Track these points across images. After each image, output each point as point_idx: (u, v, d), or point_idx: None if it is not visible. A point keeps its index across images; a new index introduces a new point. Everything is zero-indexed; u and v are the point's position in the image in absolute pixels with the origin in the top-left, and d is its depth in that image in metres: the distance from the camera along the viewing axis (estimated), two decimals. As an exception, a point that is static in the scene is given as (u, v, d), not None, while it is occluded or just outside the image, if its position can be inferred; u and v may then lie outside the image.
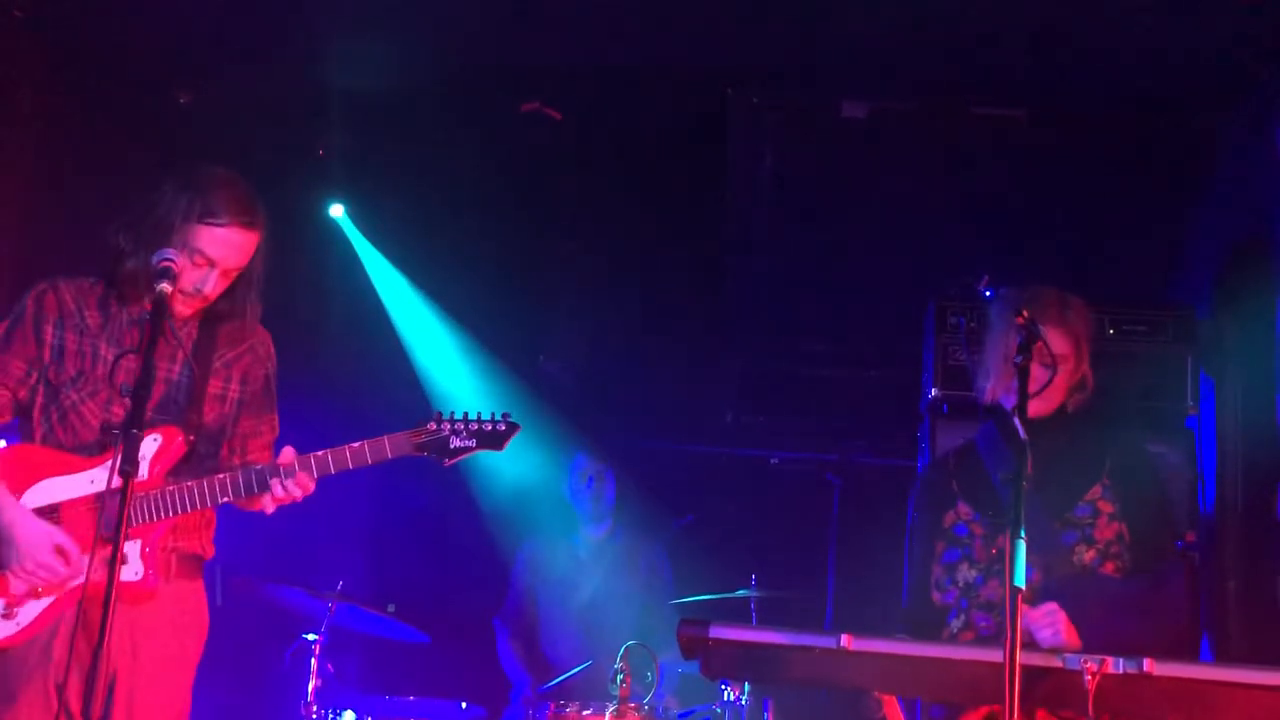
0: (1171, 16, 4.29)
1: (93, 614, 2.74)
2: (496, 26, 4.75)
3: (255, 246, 2.99)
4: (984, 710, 2.95)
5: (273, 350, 3.14)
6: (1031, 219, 5.09)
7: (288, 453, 2.89)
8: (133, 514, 2.77)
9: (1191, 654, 3.37)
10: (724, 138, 5.24)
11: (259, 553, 5.10)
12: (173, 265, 2.81)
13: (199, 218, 2.88)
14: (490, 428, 2.89)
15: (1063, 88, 4.86)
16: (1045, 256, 4.98)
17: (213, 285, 2.94)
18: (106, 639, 2.38)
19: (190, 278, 2.90)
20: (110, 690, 2.82)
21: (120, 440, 2.71)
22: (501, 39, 4.85)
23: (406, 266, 5.86)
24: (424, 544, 5.72)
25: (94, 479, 2.83)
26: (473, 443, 2.88)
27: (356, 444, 2.88)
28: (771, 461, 5.73)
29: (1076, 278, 4.83)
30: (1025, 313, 2.89)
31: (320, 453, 2.88)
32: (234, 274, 2.97)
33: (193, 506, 2.84)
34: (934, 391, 4.34)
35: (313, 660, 4.37)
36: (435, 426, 2.88)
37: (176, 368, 2.96)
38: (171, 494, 2.82)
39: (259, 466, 2.88)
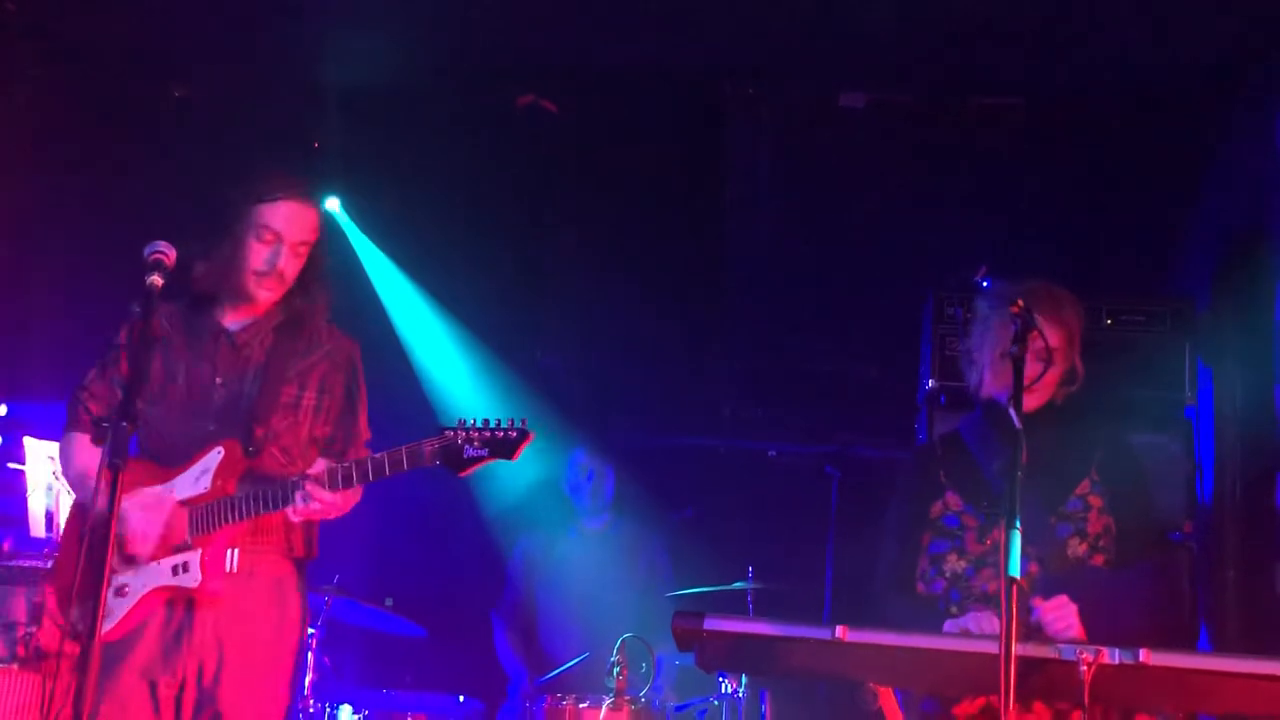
0: (1170, 7, 4.28)
1: (174, 612, 2.94)
2: (492, 20, 4.74)
3: (317, 223, 3.09)
4: (980, 701, 2.94)
5: (355, 356, 3.20)
6: (1030, 210, 5.08)
7: (318, 465, 2.97)
8: (196, 524, 2.93)
9: (1189, 644, 3.36)
10: (721, 130, 5.22)
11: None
12: (164, 258, 2.81)
13: (254, 200, 3.02)
14: (503, 435, 2.86)
15: (1061, 78, 4.85)
16: (1044, 247, 4.97)
17: (285, 260, 3.03)
18: (95, 639, 2.39)
19: (260, 255, 3.01)
20: (199, 684, 2.93)
21: (194, 455, 2.95)
22: (497, 33, 4.84)
23: (402, 261, 5.85)
24: (421, 538, 5.71)
25: (172, 489, 2.97)
26: (485, 452, 2.85)
27: (378, 455, 2.91)
28: (770, 454, 5.72)
29: (1075, 268, 4.84)
30: (1020, 302, 2.87)
31: (342, 464, 2.93)
32: (305, 251, 3.06)
33: (239, 517, 2.93)
34: (932, 383, 4.33)
35: (310, 654, 4.37)
36: (452, 435, 2.86)
37: (249, 378, 3.05)
38: (227, 503, 2.93)
39: (288, 480, 2.93)
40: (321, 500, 2.90)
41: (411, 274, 5.88)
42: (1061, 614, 2.87)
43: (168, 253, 2.83)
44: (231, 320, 3.12)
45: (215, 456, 2.96)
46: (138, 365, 2.67)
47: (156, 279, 2.76)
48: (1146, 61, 4.65)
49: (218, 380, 3.06)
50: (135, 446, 3.04)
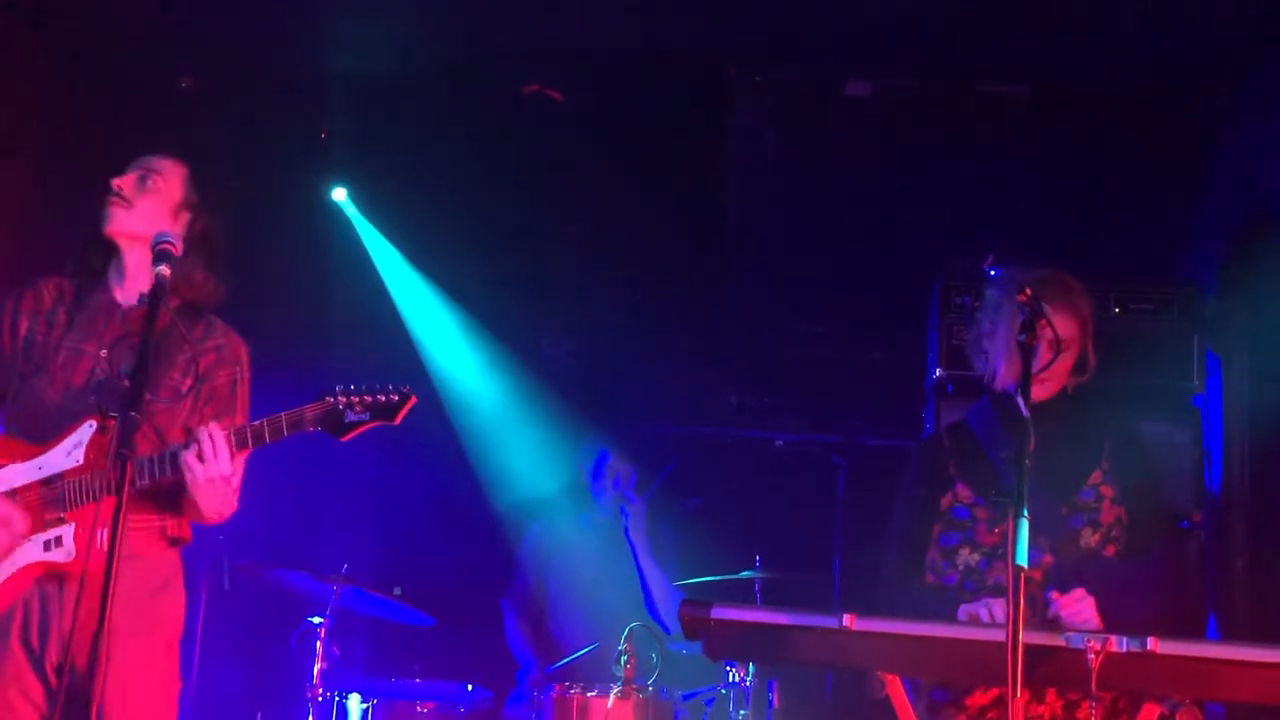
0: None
1: (48, 590, 2.87)
2: (498, 9, 4.73)
3: (173, 165, 3.09)
4: (993, 692, 2.94)
5: (243, 357, 3.13)
6: (1037, 197, 5.06)
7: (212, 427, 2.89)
8: (68, 498, 2.86)
9: (1198, 633, 3.36)
10: (727, 118, 5.21)
11: (264, 537, 5.11)
12: (171, 248, 2.81)
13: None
14: (384, 399, 2.84)
15: (1068, 65, 4.82)
16: (1051, 235, 4.95)
17: (122, 181, 3.03)
18: (106, 621, 2.39)
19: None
20: (60, 667, 2.83)
21: (68, 429, 2.87)
22: (503, 22, 4.83)
23: (409, 250, 5.85)
24: (429, 527, 5.72)
25: (41, 465, 2.90)
26: (366, 415, 2.83)
27: (256, 421, 2.86)
28: (776, 444, 5.72)
29: (1082, 256, 4.82)
30: (1028, 291, 2.86)
31: (217, 428, 2.85)
32: (156, 187, 3.04)
33: (109, 490, 2.81)
34: (939, 372, 4.33)
35: (318, 643, 4.38)
36: (332, 400, 2.84)
37: (134, 356, 2.89)
38: (98, 478, 2.85)
39: (170, 448, 2.87)
40: (214, 454, 2.79)
41: (417, 263, 5.88)
42: (1079, 608, 2.86)
43: (176, 243, 2.83)
44: (122, 296, 3.06)
45: (88, 430, 2.88)
46: (144, 354, 2.63)
47: (164, 269, 2.76)
48: (1154, 47, 4.62)
49: (102, 354, 2.99)
50: (6, 421, 3.00)
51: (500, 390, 5.68)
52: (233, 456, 2.83)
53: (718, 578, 4.72)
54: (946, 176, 5.11)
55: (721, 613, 2.71)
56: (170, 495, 2.96)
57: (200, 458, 2.80)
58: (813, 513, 5.20)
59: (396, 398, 2.84)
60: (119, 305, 3.05)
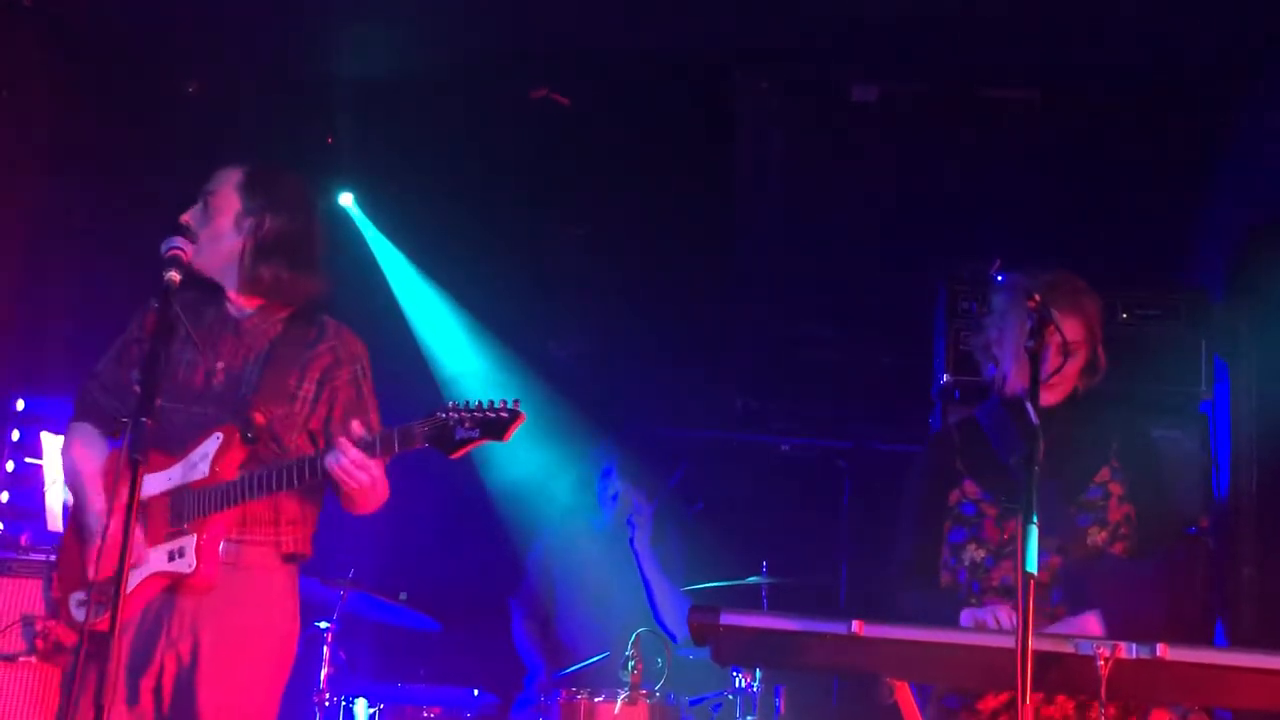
0: (1185, -3, 4.27)
1: (158, 601, 2.89)
2: (504, 12, 4.74)
3: (227, 176, 3.10)
4: (1005, 696, 2.94)
5: (360, 352, 3.15)
6: (1043, 202, 5.06)
7: (355, 427, 2.90)
8: (191, 509, 2.89)
9: (1205, 638, 3.35)
10: (733, 122, 5.21)
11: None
12: (180, 254, 2.82)
13: None
14: (494, 416, 2.80)
15: (1075, 69, 4.82)
16: (1057, 239, 4.94)
17: (198, 218, 3.05)
18: (116, 633, 2.39)
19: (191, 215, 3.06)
20: (176, 678, 2.88)
21: (195, 440, 2.91)
22: (509, 25, 4.83)
23: (416, 254, 5.85)
24: (436, 532, 5.72)
25: (170, 476, 2.94)
26: (476, 433, 2.80)
27: (368, 436, 2.86)
28: (782, 448, 5.71)
29: (1089, 261, 4.79)
30: (1037, 297, 2.86)
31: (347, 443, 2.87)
32: (217, 206, 3.05)
33: (239, 499, 2.88)
34: (946, 377, 4.32)
35: (325, 648, 4.39)
36: (442, 416, 2.82)
37: (250, 365, 3.02)
38: (224, 488, 2.88)
39: (300, 458, 2.89)
40: (353, 459, 2.82)
41: (424, 267, 5.88)
42: (1083, 626, 2.86)
43: (185, 248, 2.84)
44: (237, 309, 3.10)
45: (214, 442, 2.92)
46: (155, 360, 2.65)
47: (174, 275, 2.77)
48: (1160, 51, 4.62)
49: (219, 365, 3.03)
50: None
51: (506, 392, 5.66)
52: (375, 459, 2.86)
53: (724, 583, 4.72)
54: (952, 180, 5.10)
55: (730, 618, 2.70)
56: (299, 503, 3.01)
57: (341, 466, 2.83)
58: (819, 518, 5.19)
59: (506, 415, 2.79)
60: (233, 318, 3.08)
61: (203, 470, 2.91)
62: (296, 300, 3.10)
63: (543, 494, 5.61)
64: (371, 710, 4.52)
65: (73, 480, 3.08)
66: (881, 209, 5.22)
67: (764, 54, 4.97)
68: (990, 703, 2.98)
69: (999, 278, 3.72)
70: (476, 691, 4.76)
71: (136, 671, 2.89)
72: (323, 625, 4.42)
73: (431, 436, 2.80)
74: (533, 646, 5.14)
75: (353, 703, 4.50)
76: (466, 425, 2.79)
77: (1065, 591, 2.95)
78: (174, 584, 2.90)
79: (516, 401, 2.81)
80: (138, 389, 2.64)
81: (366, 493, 2.93)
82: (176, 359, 3.01)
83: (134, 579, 2.86)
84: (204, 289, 3.09)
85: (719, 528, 5.40)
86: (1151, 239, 4.95)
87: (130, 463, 2.48)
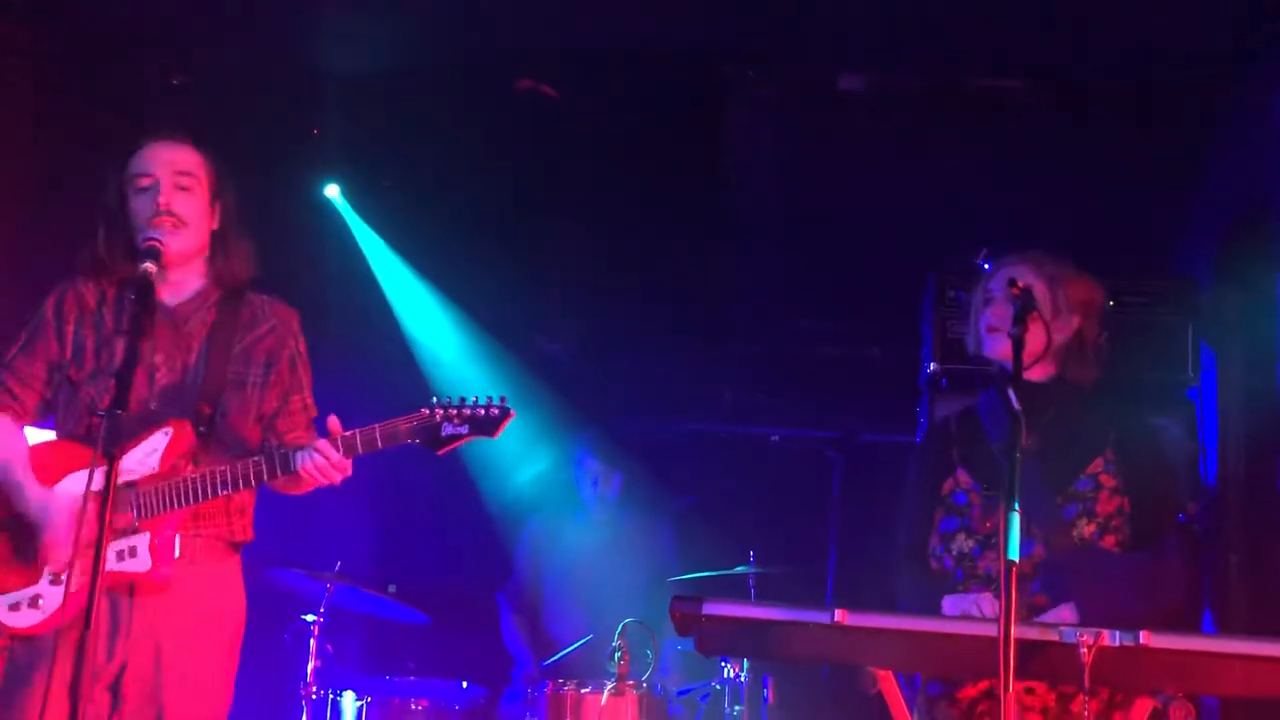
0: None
1: (116, 602, 2.78)
2: (492, 5, 4.72)
3: (193, 156, 2.97)
4: (984, 684, 2.94)
5: (297, 328, 3.08)
6: (1031, 192, 5.05)
7: (333, 422, 2.84)
8: (144, 507, 2.79)
9: (1193, 627, 3.36)
10: (722, 115, 5.20)
11: (257, 535, 5.10)
12: (158, 244, 2.79)
13: (125, 160, 2.94)
14: (484, 413, 2.78)
15: (1062, 59, 4.81)
16: (1045, 229, 4.93)
17: (168, 196, 2.89)
18: (91, 629, 2.36)
19: (141, 204, 2.89)
20: (136, 679, 2.79)
21: (139, 435, 2.80)
22: (496, 18, 4.81)
23: (402, 247, 5.84)
24: (424, 525, 5.72)
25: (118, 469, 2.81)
26: (465, 429, 2.77)
27: (348, 432, 2.81)
28: (772, 439, 5.72)
29: (1077, 250, 4.79)
30: (1020, 283, 2.86)
31: (347, 432, 2.82)
32: (191, 187, 2.93)
33: (215, 493, 2.81)
34: (933, 366, 4.32)
35: (312, 641, 4.38)
36: (429, 413, 2.78)
37: (193, 356, 2.93)
38: (187, 482, 2.80)
39: (281, 449, 2.84)
40: (335, 462, 2.78)
41: (411, 260, 5.87)
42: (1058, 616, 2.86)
43: (161, 239, 2.81)
44: (169, 296, 2.97)
45: (163, 436, 2.82)
46: (131, 353, 2.60)
47: (150, 266, 2.73)
48: (1148, 41, 4.61)
49: (158, 358, 2.91)
50: (55, 427, 2.94)
51: (494, 386, 5.66)
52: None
53: (712, 573, 4.72)
54: (942, 171, 5.09)
55: (713, 608, 2.70)
56: (250, 492, 2.94)
57: (317, 466, 2.78)
58: (807, 508, 5.19)
59: (496, 411, 2.78)
60: (165, 305, 2.96)
61: (153, 465, 2.81)
62: (242, 280, 3.02)
63: (530, 486, 5.61)
64: (359, 703, 4.52)
65: None
66: (869, 200, 5.21)
67: (753, 47, 4.95)
68: (969, 691, 2.97)
69: (985, 266, 3.73)
70: (465, 684, 4.76)
71: (91, 676, 2.73)
72: (310, 618, 4.41)
73: (418, 433, 2.77)
74: (520, 639, 5.14)
75: (340, 696, 4.49)
76: (455, 422, 2.77)
77: (1045, 583, 2.94)
78: (128, 584, 2.81)
79: (504, 399, 2.80)
80: (113, 383, 2.58)
81: (323, 483, 2.88)
82: (108, 347, 2.90)
83: (77, 578, 2.70)
84: (117, 281, 2.96)
85: (708, 518, 5.40)
86: (1139, 227, 4.95)
87: (106, 457, 2.44)
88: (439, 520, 5.72)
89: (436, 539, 5.67)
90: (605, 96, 5.21)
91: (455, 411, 2.77)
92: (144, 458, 2.82)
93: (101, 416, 2.57)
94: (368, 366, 5.73)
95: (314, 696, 4.35)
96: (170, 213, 2.89)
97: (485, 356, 5.82)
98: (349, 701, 4.51)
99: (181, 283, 2.98)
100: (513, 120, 5.30)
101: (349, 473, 2.85)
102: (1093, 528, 3.01)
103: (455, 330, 5.88)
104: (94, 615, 2.60)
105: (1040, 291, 3.07)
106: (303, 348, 3.08)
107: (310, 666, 4.35)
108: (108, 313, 2.95)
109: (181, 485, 2.80)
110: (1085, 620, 2.81)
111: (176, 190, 2.91)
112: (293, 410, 3.02)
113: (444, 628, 4.97)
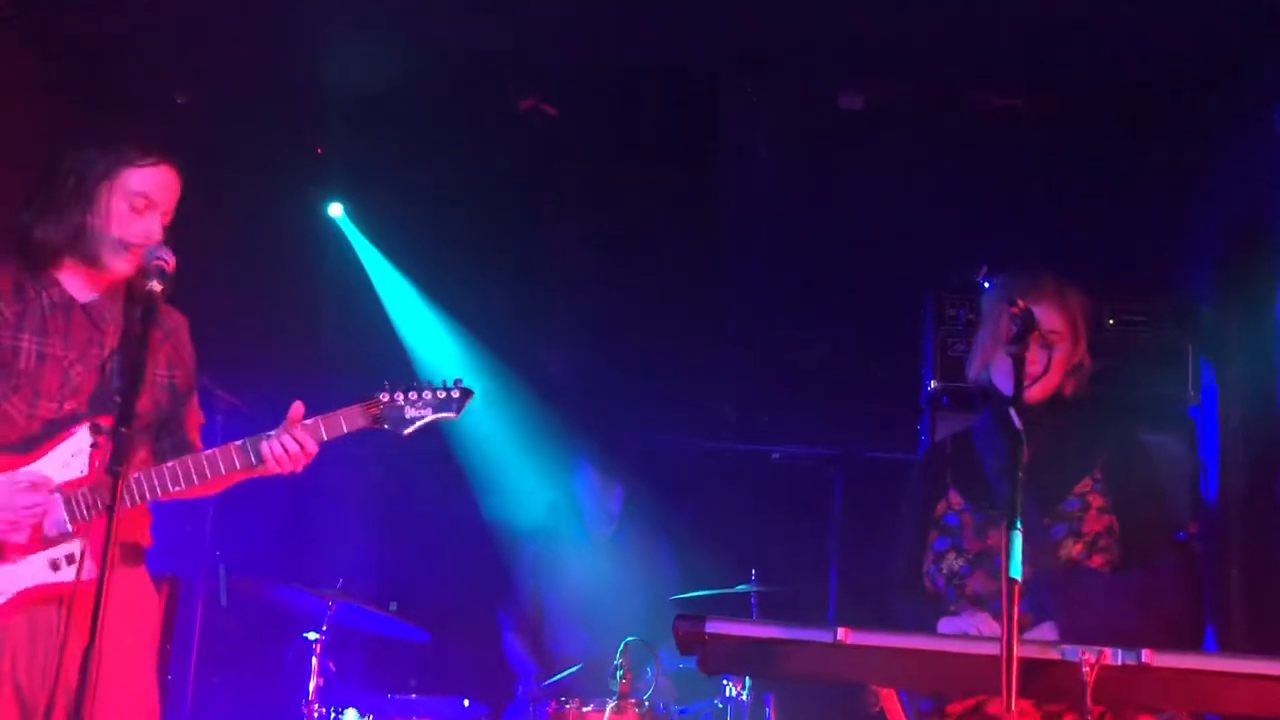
0: (1168, 2, 4.27)
1: (40, 616, 2.68)
2: (492, 23, 4.74)
3: (179, 189, 2.92)
4: (971, 701, 2.94)
5: (186, 332, 3.03)
6: (1030, 209, 5.07)
7: (297, 408, 2.82)
8: (76, 509, 2.69)
9: (1194, 645, 3.35)
10: (720, 131, 5.22)
11: (260, 552, 5.11)
12: (165, 265, 2.76)
13: (126, 163, 2.81)
14: (444, 395, 2.88)
15: (1060, 76, 4.83)
16: (1044, 246, 4.95)
17: (157, 231, 2.84)
18: (97, 642, 2.34)
19: (131, 225, 2.81)
20: (66, 694, 2.62)
21: (57, 436, 2.70)
22: (497, 36, 4.84)
23: (406, 265, 5.85)
24: (425, 542, 5.71)
25: (38, 471, 2.71)
26: (428, 411, 2.85)
27: (310, 420, 2.79)
28: (773, 456, 5.70)
29: (1076, 267, 4.80)
30: (1021, 302, 2.87)
31: (273, 432, 2.79)
32: (168, 220, 2.88)
33: (142, 498, 2.74)
34: (933, 384, 4.33)
35: (314, 659, 4.37)
36: (389, 398, 2.84)
37: (107, 355, 2.84)
38: (130, 485, 2.71)
39: (239, 442, 2.78)
40: (308, 447, 2.77)
41: (413, 277, 5.88)
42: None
43: (168, 259, 2.79)
44: (81, 292, 2.85)
45: (84, 438, 2.72)
46: (137, 370, 2.59)
47: (156, 285, 2.72)
48: (1145, 58, 4.63)
49: (72, 355, 2.80)
50: None
51: (496, 403, 5.67)
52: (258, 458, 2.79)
53: (713, 591, 4.71)
54: (940, 188, 5.11)
55: (715, 627, 2.69)
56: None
57: (288, 451, 2.76)
58: (809, 526, 5.18)
59: (457, 393, 2.89)
60: (76, 302, 2.84)
61: (80, 467, 2.71)
62: (161, 295, 2.85)
63: (531, 503, 5.61)
64: (361, 721, 4.51)
65: None
66: (868, 217, 5.22)
67: (750, 63, 4.97)
68: (956, 706, 2.98)
69: (985, 284, 3.75)
70: (466, 702, 4.75)
71: (26, 697, 2.65)
72: (312, 636, 4.40)
73: (382, 417, 2.83)
74: (523, 654, 5.13)
75: (342, 714, 4.48)
76: (417, 405, 2.84)
77: (1030, 602, 2.93)
78: (59, 596, 2.66)
79: (459, 380, 2.90)
80: (117, 399, 2.58)
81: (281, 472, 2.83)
82: (13, 345, 2.76)
83: (5, 592, 2.62)
84: (29, 265, 2.82)
85: (709, 536, 5.40)
86: (1138, 244, 4.96)
87: (110, 474, 2.43)
88: (440, 538, 5.71)
89: (438, 556, 5.66)
90: (605, 114, 5.23)
91: (416, 395, 2.85)
92: (68, 459, 2.72)
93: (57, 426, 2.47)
94: (369, 382, 5.73)
95: (316, 714, 4.34)
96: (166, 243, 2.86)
97: (488, 373, 5.83)
98: (351, 719, 4.50)
99: (98, 281, 2.87)
100: (514, 137, 5.33)
101: (310, 459, 2.83)
102: (1080, 547, 3.01)
103: (457, 347, 5.89)
104: (11, 633, 2.59)
105: (1065, 332, 3.08)
106: (193, 351, 3.04)
107: (312, 684, 4.34)
108: (6, 305, 2.79)
109: (130, 485, 2.70)
110: (1065, 639, 2.80)
111: (162, 225, 2.87)
112: (191, 410, 3.00)
113: (445, 645, 4.97)
